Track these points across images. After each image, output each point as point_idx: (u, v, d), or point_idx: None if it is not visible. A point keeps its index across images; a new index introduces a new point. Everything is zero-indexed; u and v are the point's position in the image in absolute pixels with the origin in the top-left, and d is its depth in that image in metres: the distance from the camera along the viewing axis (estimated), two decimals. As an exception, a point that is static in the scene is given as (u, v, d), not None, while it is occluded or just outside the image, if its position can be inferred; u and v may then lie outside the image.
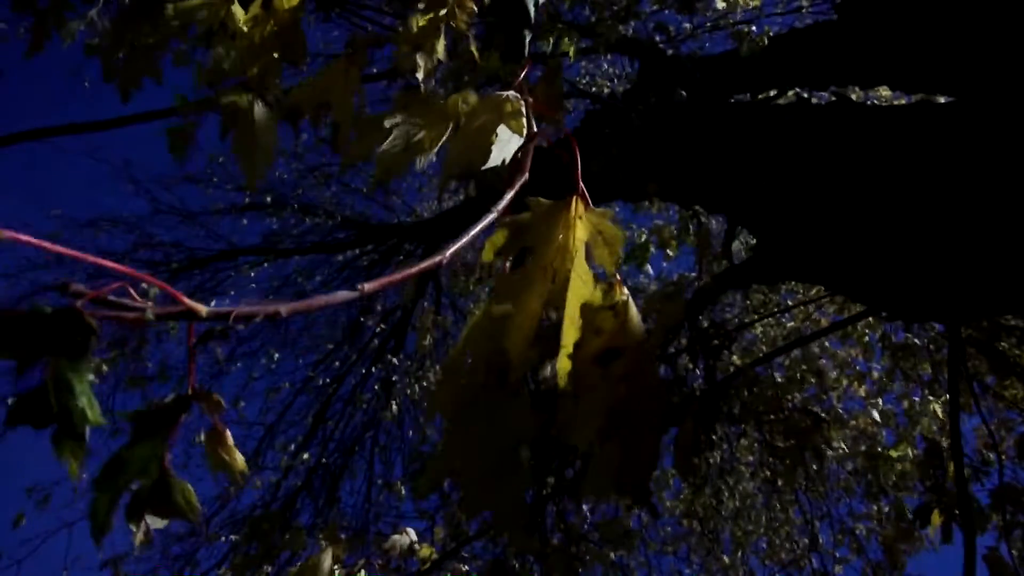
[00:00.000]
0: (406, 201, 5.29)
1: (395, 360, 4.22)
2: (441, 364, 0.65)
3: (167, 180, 5.42)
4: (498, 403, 0.61)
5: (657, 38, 3.30)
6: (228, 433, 0.63)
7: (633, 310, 0.62)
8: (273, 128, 1.01)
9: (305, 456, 4.23)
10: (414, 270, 0.62)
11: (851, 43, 2.19)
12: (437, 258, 0.62)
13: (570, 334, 0.61)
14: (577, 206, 0.64)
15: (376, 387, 4.35)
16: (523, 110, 0.82)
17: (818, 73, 2.41)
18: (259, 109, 1.02)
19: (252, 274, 5.00)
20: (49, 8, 1.16)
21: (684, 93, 2.74)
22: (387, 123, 0.83)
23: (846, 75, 2.33)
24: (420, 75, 1.04)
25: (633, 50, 3.08)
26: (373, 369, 4.40)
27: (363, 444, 4.34)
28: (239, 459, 0.63)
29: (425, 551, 1.64)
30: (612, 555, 3.71)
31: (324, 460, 4.25)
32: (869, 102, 3.08)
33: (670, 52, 3.20)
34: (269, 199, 5.07)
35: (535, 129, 0.80)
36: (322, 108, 1.02)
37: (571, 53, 2.83)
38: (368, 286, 0.58)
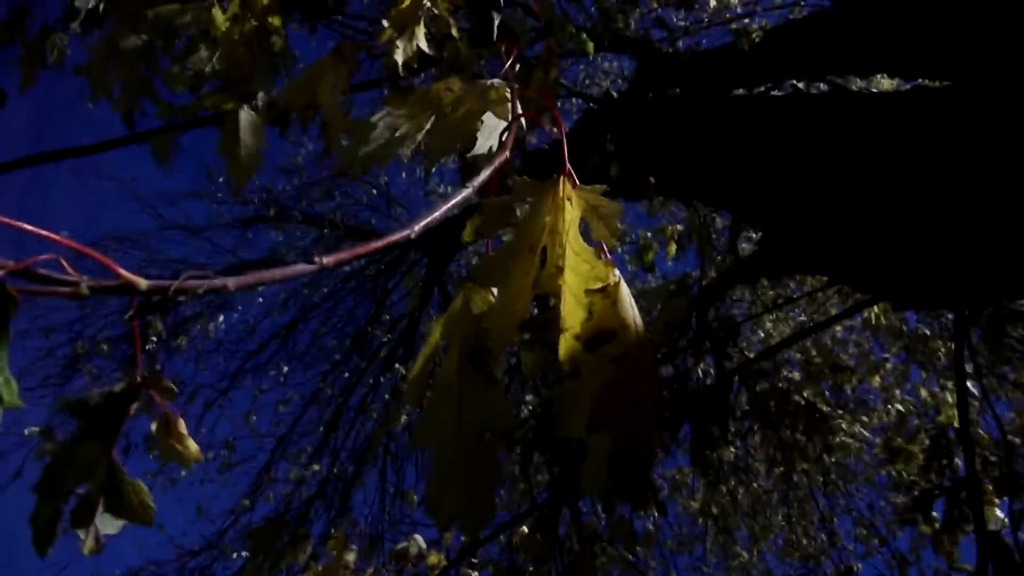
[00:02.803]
0: (410, 211, 5.31)
1: (404, 369, 4.22)
2: (418, 354, 0.63)
3: (171, 196, 5.45)
4: (471, 391, 0.58)
5: (655, 35, 3.30)
6: (181, 421, 0.58)
7: (624, 291, 0.59)
8: (260, 130, 0.99)
9: (316, 467, 4.23)
10: (378, 244, 0.61)
11: (847, 32, 2.18)
12: (406, 232, 0.61)
13: (573, 312, 0.58)
14: (565, 185, 0.61)
15: (386, 396, 4.35)
16: (508, 96, 0.80)
17: (815, 64, 2.39)
18: (244, 112, 1.00)
19: (259, 287, 5.01)
20: (38, 39, 1.16)
21: (681, 89, 2.73)
22: (374, 118, 0.82)
23: (843, 65, 2.31)
24: (399, 58, 1.02)
25: (629, 48, 3.08)
26: (382, 378, 4.40)
27: (375, 453, 4.34)
28: (192, 447, 0.58)
29: (433, 558, 1.63)
30: (629, 556, 3.69)
31: (336, 470, 4.25)
32: (869, 91, 3.06)
33: (668, 50, 3.19)
34: (273, 212, 5.09)
35: (519, 112, 0.79)
36: (310, 108, 1.00)
37: (590, 49, 2.79)
38: (327, 259, 0.56)
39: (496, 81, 0.81)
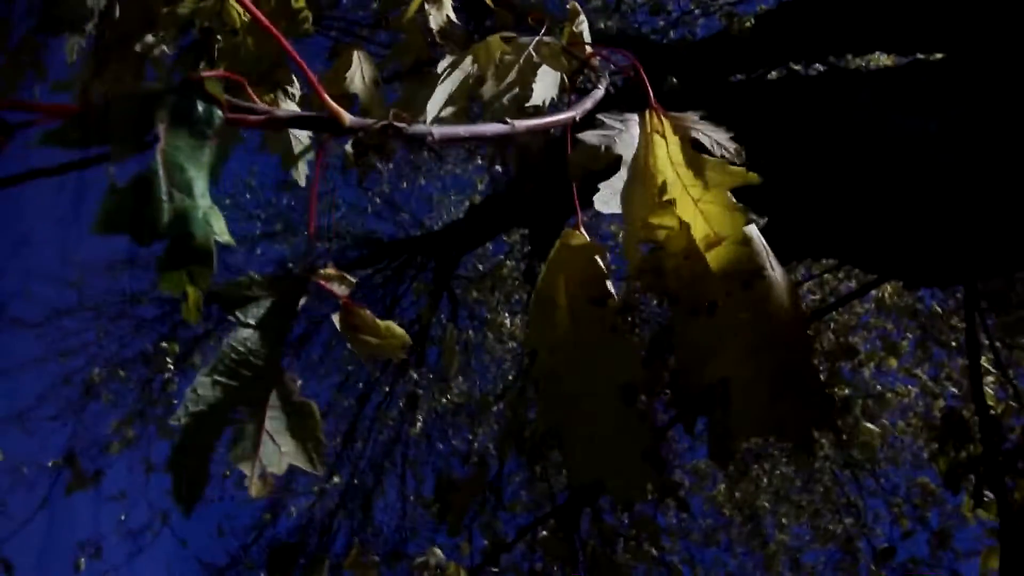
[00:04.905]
0: (414, 215, 5.31)
1: (416, 375, 4.22)
2: (530, 302, 0.57)
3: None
4: (595, 339, 0.52)
5: (651, 25, 3.28)
6: (365, 311, 0.46)
7: (749, 217, 0.55)
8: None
9: (336, 480, 4.24)
10: (559, 117, 0.60)
11: (841, 10, 2.15)
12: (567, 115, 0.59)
13: (720, 220, 0.54)
14: (653, 119, 0.59)
15: (400, 403, 4.36)
16: (560, 50, 0.80)
17: (811, 45, 2.37)
18: (283, 102, 0.98)
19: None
20: (20, 46, 1.14)
21: (678, 79, 2.71)
22: (440, 80, 0.80)
23: (839, 44, 2.29)
24: (433, 26, 1.00)
25: (623, 43, 3.06)
26: (396, 386, 4.41)
27: (393, 461, 4.35)
28: (396, 331, 0.45)
29: (452, 570, 1.63)
30: (654, 552, 3.67)
31: (356, 481, 4.25)
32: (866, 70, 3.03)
33: (663, 41, 3.18)
34: (280, 227, 5.13)
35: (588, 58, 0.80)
36: (344, 99, 0.97)
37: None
38: (518, 123, 0.55)
39: (547, 38, 0.81)
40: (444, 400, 4.30)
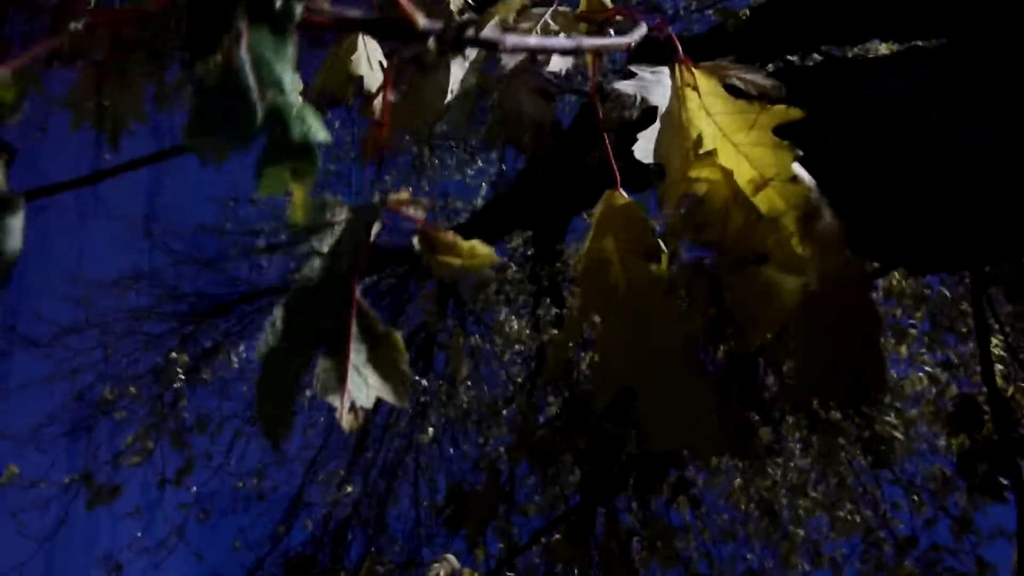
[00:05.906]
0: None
1: (425, 381, 4.22)
2: (576, 271, 0.54)
3: (181, 230, 5.49)
4: (655, 298, 0.50)
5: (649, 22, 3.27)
6: (446, 231, 0.44)
7: (796, 153, 0.52)
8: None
9: (349, 489, 4.25)
10: (620, 40, 0.58)
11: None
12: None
13: (765, 160, 0.50)
14: (683, 73, 0.56)
15: (410, 411, 4.36)
16: (576, 17, 0.78)
17: (807, 35, 2.36)
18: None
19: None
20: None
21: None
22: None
23: (835, 33, 2.28)
24: (453, 7, 0.98)
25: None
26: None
27: (405, 468, 4.35)
28: (479, 249, 0.42)
29: (467, 575, 1.62)
30: (666, 552, 3.65)
31: (369, 489, 4.26)
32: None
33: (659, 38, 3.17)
34: (283, 237, 5.14)
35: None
36: (350, 83, 0.93)
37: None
38: (585, 42, 0.54)
39: (562, 7, 0.80)
40: (453, 406, 4.30)
